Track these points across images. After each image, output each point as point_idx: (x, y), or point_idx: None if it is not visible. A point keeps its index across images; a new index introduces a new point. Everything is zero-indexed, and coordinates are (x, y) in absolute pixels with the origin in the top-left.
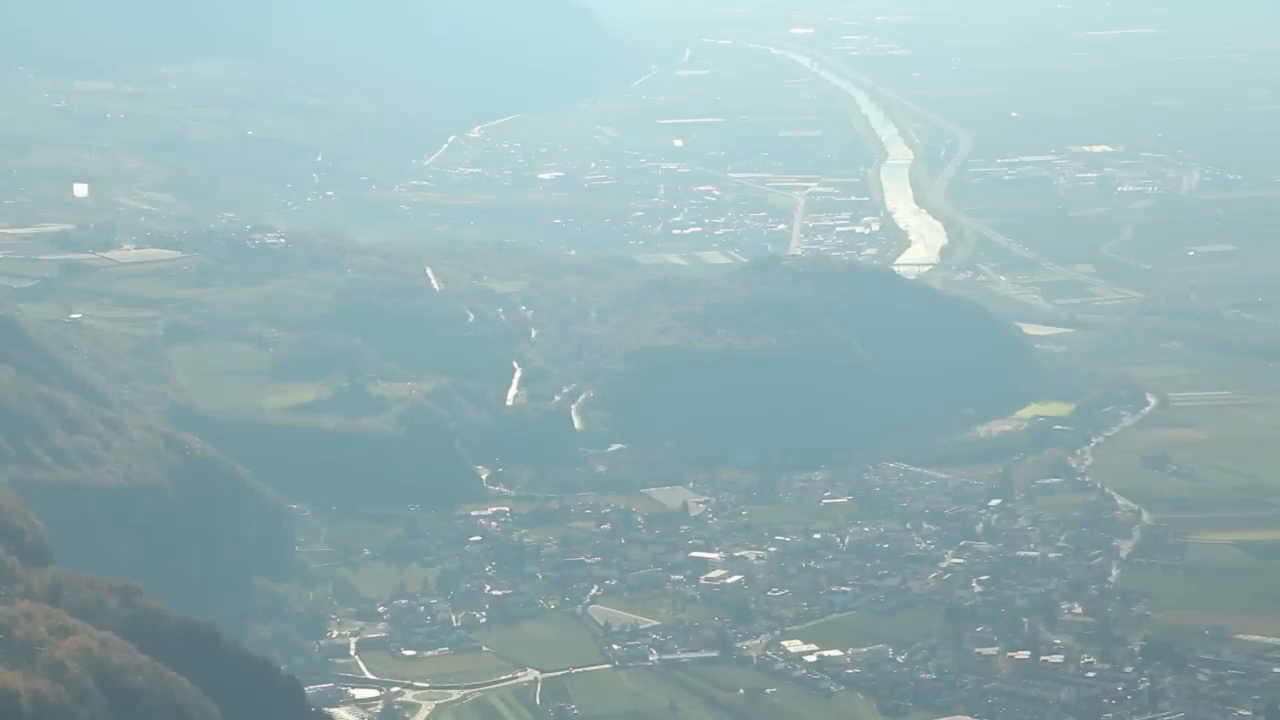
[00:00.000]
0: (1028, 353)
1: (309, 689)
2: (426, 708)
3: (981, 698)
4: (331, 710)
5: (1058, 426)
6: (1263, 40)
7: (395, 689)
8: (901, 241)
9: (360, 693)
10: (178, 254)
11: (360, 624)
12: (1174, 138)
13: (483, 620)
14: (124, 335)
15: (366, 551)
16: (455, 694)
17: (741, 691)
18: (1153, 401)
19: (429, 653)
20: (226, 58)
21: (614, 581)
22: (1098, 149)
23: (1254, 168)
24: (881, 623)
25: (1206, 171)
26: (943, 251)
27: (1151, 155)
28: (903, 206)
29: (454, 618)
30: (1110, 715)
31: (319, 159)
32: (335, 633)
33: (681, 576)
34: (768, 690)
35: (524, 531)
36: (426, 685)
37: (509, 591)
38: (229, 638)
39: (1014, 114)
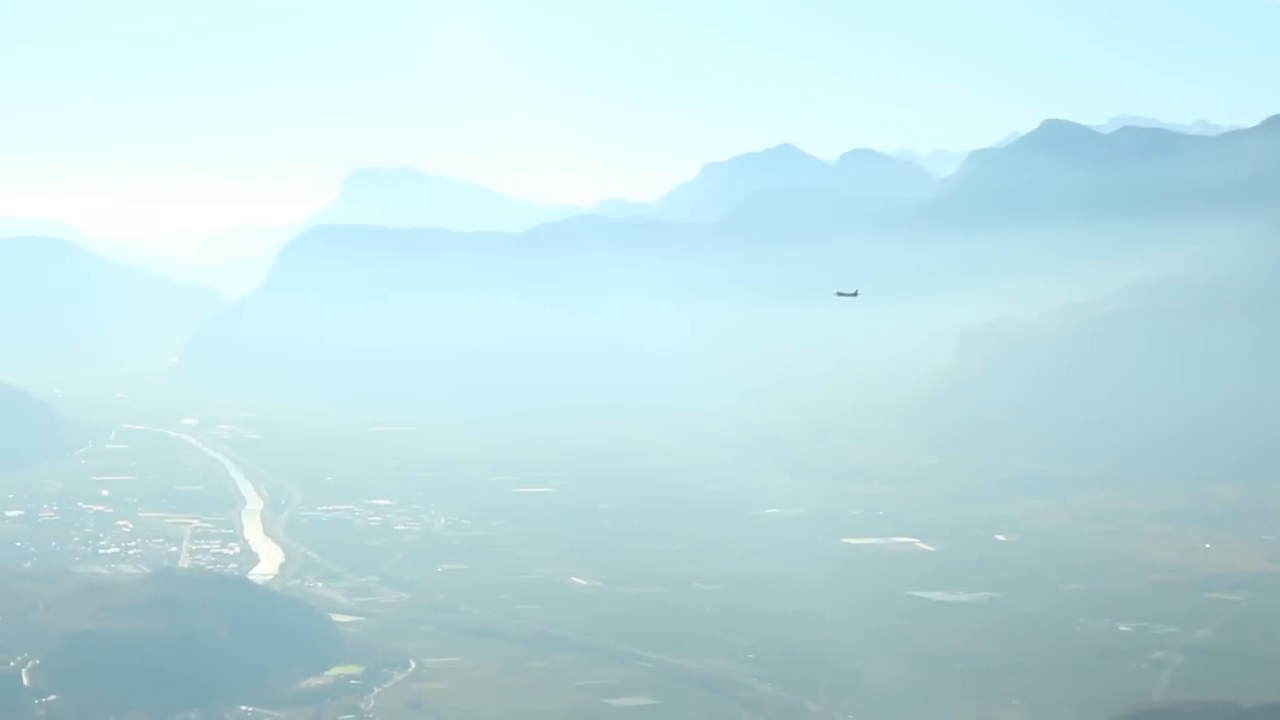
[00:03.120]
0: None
1: None
2: None
3: None
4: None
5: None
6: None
7: None
8: (254, 559)
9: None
10: None
11: None
12: (428, 495)
13: None
14: None
15: None
16: None
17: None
18: (413, 664)
19: None
20: None
21: None
22: (382, 501)
23: (480, 515)
24: None
25: (450, 517)
26: (281, 566)
27: (417, 506)
28: (256, 536)
29: None
30: None
31: None
32: None
33: None
34: None
35: None
36: None
37: None
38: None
39: (328, 478)
